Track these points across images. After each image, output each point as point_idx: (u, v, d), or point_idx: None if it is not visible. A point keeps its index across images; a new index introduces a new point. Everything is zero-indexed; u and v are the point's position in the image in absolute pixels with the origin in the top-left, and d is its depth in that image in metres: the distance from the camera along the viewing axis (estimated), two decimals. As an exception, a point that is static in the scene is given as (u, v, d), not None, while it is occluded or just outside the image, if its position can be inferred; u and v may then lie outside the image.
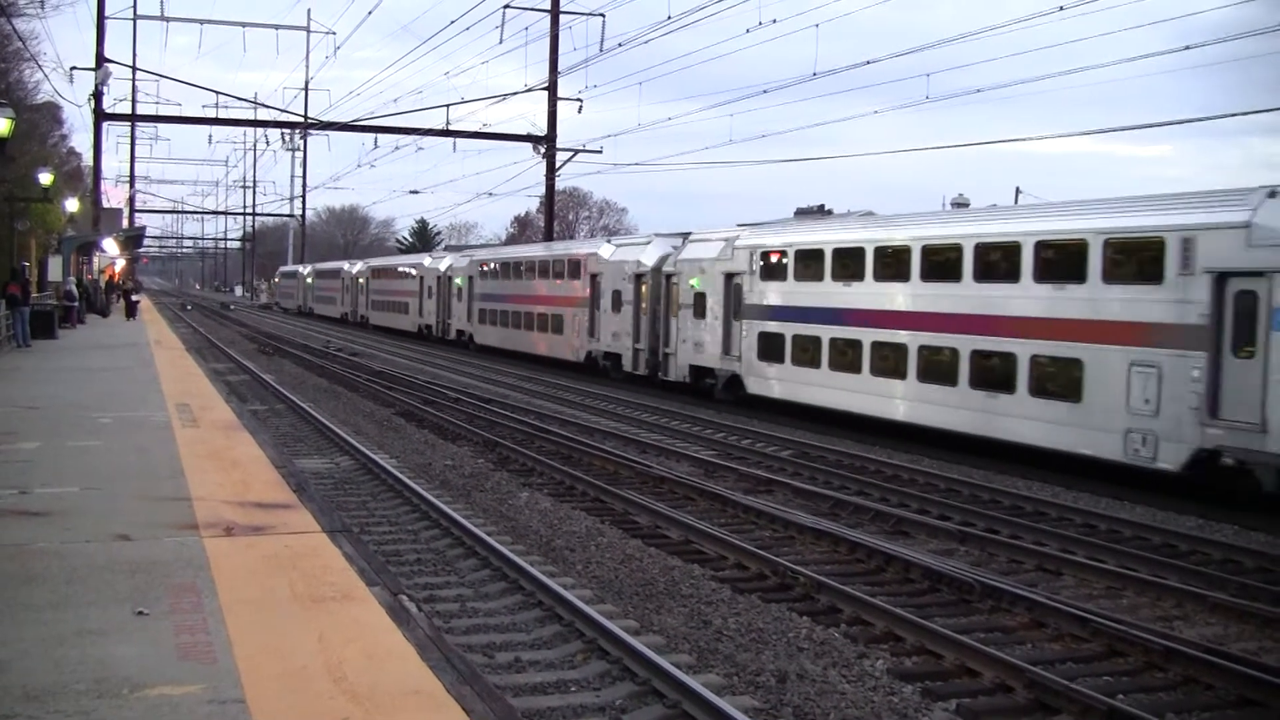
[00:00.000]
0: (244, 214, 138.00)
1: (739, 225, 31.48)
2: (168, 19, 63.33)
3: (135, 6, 66.82)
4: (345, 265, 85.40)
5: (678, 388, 33.25)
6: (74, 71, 52.67)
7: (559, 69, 53.14)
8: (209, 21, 66.86)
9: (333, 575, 8.83)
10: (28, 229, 47.52)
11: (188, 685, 6.33)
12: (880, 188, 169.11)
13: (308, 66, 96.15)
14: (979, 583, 12.34)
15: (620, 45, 43.60)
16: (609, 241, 40.83)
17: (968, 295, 22.42)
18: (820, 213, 29.85)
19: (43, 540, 9.68)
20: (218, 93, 74.22)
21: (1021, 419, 20.89)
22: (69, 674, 6.47)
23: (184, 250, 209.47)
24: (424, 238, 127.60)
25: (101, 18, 54.28)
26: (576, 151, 54.12)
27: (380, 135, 56.13)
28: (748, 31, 37.57)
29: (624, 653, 9.62)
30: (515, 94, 52.93)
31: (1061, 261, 20.58)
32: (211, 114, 57.94)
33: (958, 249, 22.79)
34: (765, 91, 51.41)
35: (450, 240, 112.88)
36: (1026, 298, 21.06)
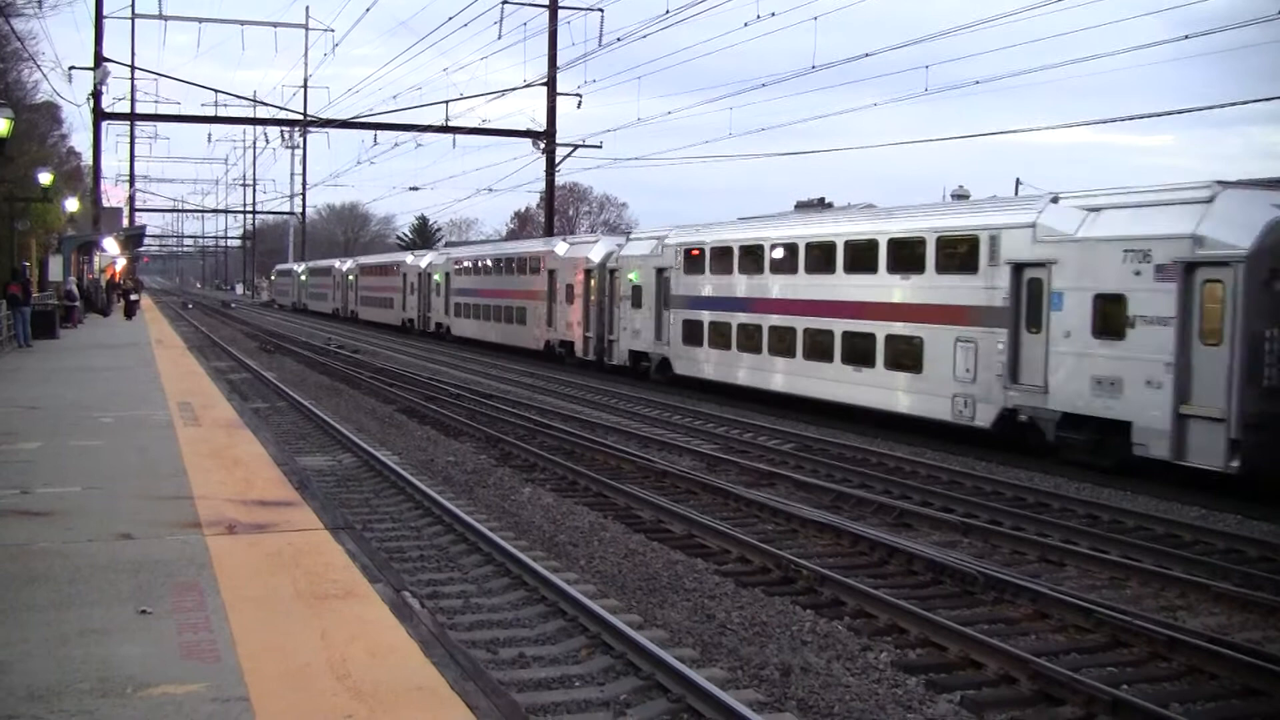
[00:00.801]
0: (244, 212, 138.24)
1: (676, 226, 35.14)
2: (166, 18, 63.22)
3: (133, 5, 66.80)
4: (336, 263, 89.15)
5: (620, 371, 37.04)
6: (73, 71, 52.75)
7: (558, 64, 53.17)
8: (207, 20, 67.00)
9: (335, 572, 8.83)
10: (28, 229, 47.51)
11: (191, 684, 6.33)
12: (881, 180, 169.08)
13: (306, 64, 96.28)
14: (982, 574, 12.33)
15: (619, 40, 43.43)
16: (564, 240, 45.00)
17: (840, 285, 26.29)
18: (821, 206, 30.01)
19: (45, 540, 9.68)
20: (217, 91, 74.01)
21: (880, 388, 24.85)
22: (72, 673, 6.47)
23: (184, 249, 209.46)
24: (424, 234, 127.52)
25: (100, 17, 54.28)
26: (576, 146, 54.16)
27: (379, 132, 56.23)
28: (746, 25, 37.74)
29: (628, 647, 9.61)
30: (514, 90, 52.82)
31: (907, 256, 24.26)
32: (211, 112, 57.91)
33: (833, 245, 26.68)
34: (764, 85, 51.44)
35: (451, 236, 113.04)
36: (882, 286, 24.83)
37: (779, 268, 28.73)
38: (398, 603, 8.14)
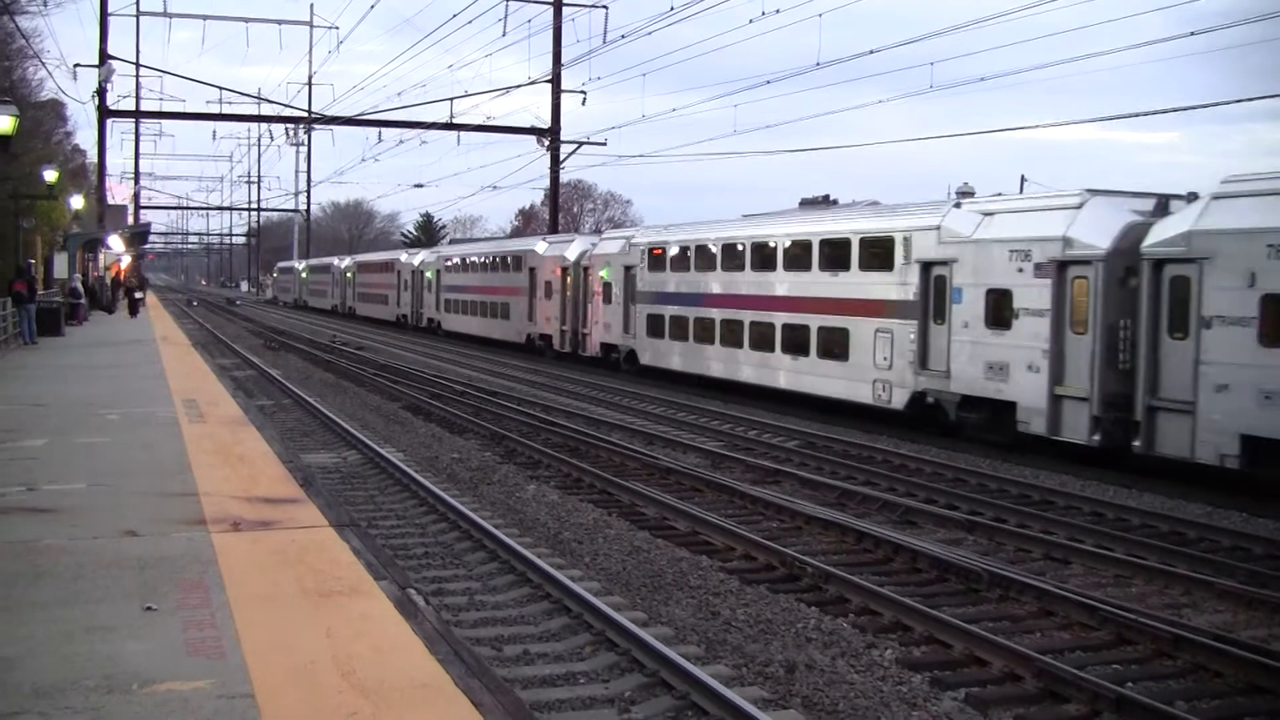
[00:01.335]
0: (249, 209, 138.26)
1: (643, 227, 38.77)
2: (170, 15, 63.23)
3: (138, 2, 66.69)
4: (335, 261, 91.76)
5: (593, 362, 39.62)
6: (77, 68, 52.61)
7: (562, 61, 53.12)
8: (212, 17, 66.51)
9: (340, 569, 8.83)
10: (33, 226, 47.50)
11: (196, 681, 6.34)
12: (887, 177, 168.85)
13: (311, 61, 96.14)
14: (987, 572, 12.32)
15: (623, 37, 43.43)
16: (543, 239, 47.34)
17: (779, 282, 28.80)
18: (825, 203, 30.19)
19: (50, 537, 9.69)
20: (221, 88, 74.32)
21: (814, 375, 27.32)
22: (78, 670, 6.48)
23: (189, 246, 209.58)
24: (429, 231, 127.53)
25: (104, 14, 54.28)
26: (580, 144, 54.14)
27: (384, 129, 56.16)
28: (751, 22, 37.43)
29: (632, 644, 9.62)
30: (519, 87, 53.01)
31: (835, 255, 26.73)
32: (215, 110, 57.80)
33: (774, 246, 29.19)
34: (769, 82, 51.07)
35: (455, 233, 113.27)
36: (815, 283, 27.33)
37: (729, 266, 31.28)
38: (402, 600, 8.15)
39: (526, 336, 45.85)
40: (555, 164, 55.07)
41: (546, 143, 54.41)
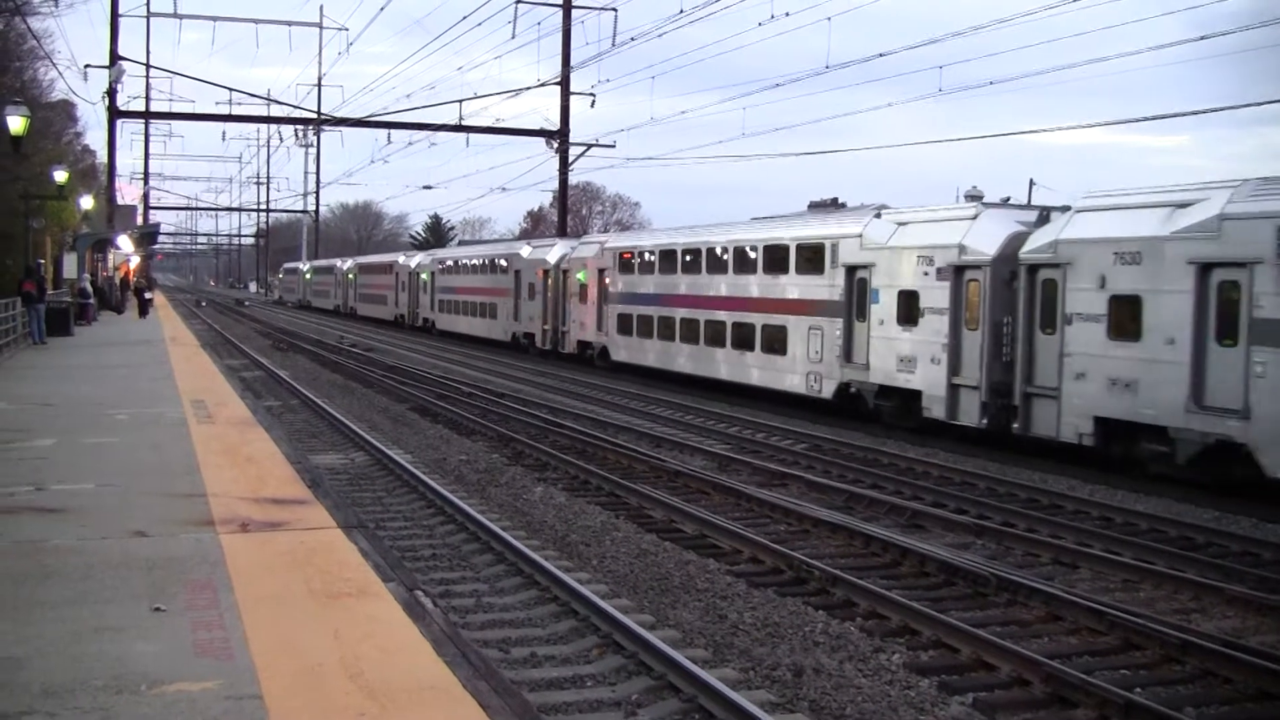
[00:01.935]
0: (258, 210, 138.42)
1: (615, 233, 42.19)
2: (181, 16, 63.35)
3: (148, 4, 66.78)
4: (337, 262, 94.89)
5: (571, 358, 42.30)
6: (88, 69, 52.78)
7: (571, 63, 53.17)
8: (222, 18, 66.80)
9: (348, 571, 8.84)
10: (43, 226, 47.55)
11: (205, 681, 6.34)
12: (896, 179, 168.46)
13: (320, 62, 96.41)
14: (995, 576, 12.31)
15: (632, 39, 43.44)
16: (528, 244, 50.63)
17: (730, 283, 31.62)
18: (833, 205, 30.39)
19: (59, 537, 9.71)
20: (231, 89, 74.23)
21: (759, 369, 30.03)
22: (86, 670, 6.49)
23: (198, 247, 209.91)
24: (437, 233, 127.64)
25: (115, 15, 54.42)
26: (589, 146, 54.16)
27: (393, 131, 56.22)
28: (760, 25, 37.50)
29: (640, 647, 9.61)
30: (528, 89, 52.77)
31: (777, 260, 29.44)
32: (225, 111, 57.93)
33: (726, 250, 32.17)
34: (778, 85, 51.32)
35: (464, 235, 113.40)
36: (760, 284, 30.12)
37: (688, 269, 34.12)
38: (410, 602, 8.15)
39: (512, 335, 48.56)
40: (564, 166, 55.11)
41: (555, 145, 54.46)
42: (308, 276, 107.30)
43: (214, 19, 62.47)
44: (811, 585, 12.37)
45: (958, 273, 22.97)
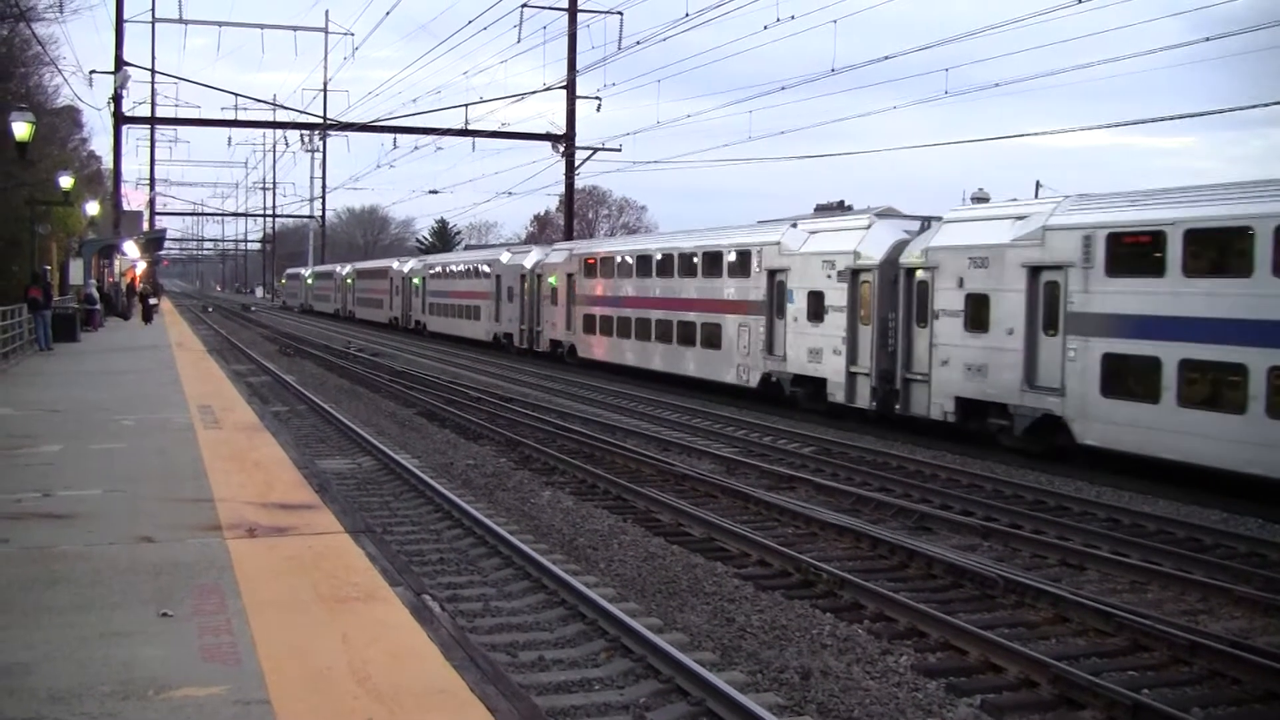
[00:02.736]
0: (264, 215, 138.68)
1: (582, 241, 45.20)
2: (186, 21, 63.54)
3: (154, 9, 67.17)
4: (337, 268, 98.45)
5: (544, 356, 45.78)
6: (93, 75, 52.93)
7: (577, 67, 53.19)
8: (227, 24, 67.22)
9: (356, 575, 8.84)
10: (49, 232, 47.66)
11: (212, 687, 6.35)
12: (902, 182, 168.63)
13: (326, 67, 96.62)
14: (1002, 578, 12.29)
15: (638, 43, 43.57)
16: (508, 250, 54.14)
17: (675, 286, 35.17)
18: (840, 208, 30.59)
19: (66, 542, 9.72)
20: (236, 94, 74.45)
21: (699, 362, 33.68)
22: (94, 676, 6.50)
23: (204, 252, 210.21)
24: (444, 237, 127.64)
25: (120, 21, 54.48)
26: (595, 150, 54.14)
27: (399, 135, 56.29)
28: (765, 28, 37.57)
29: (647, 651, 9.61)
30: (534, 93, 53.11)
31: (712, 265, 33.13)
32: (230, 116, 58.08)
33: (670, 256, 35.80)
34: (784, 88, 51.30)
35: (470, 239, 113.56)
36: (699, 286, 33.67)
37: (640, 273, 37.69)
38: (418, 606, 8.15)
39: (493, 335, 52.32)
40: (570, 170, 55.10)
41: (561, 149, 54.45)
42: (309, 282, 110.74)
43: (219, 24, 62.81)
44: (819, 588, 12.36)
45: (854, 275, 26.40)
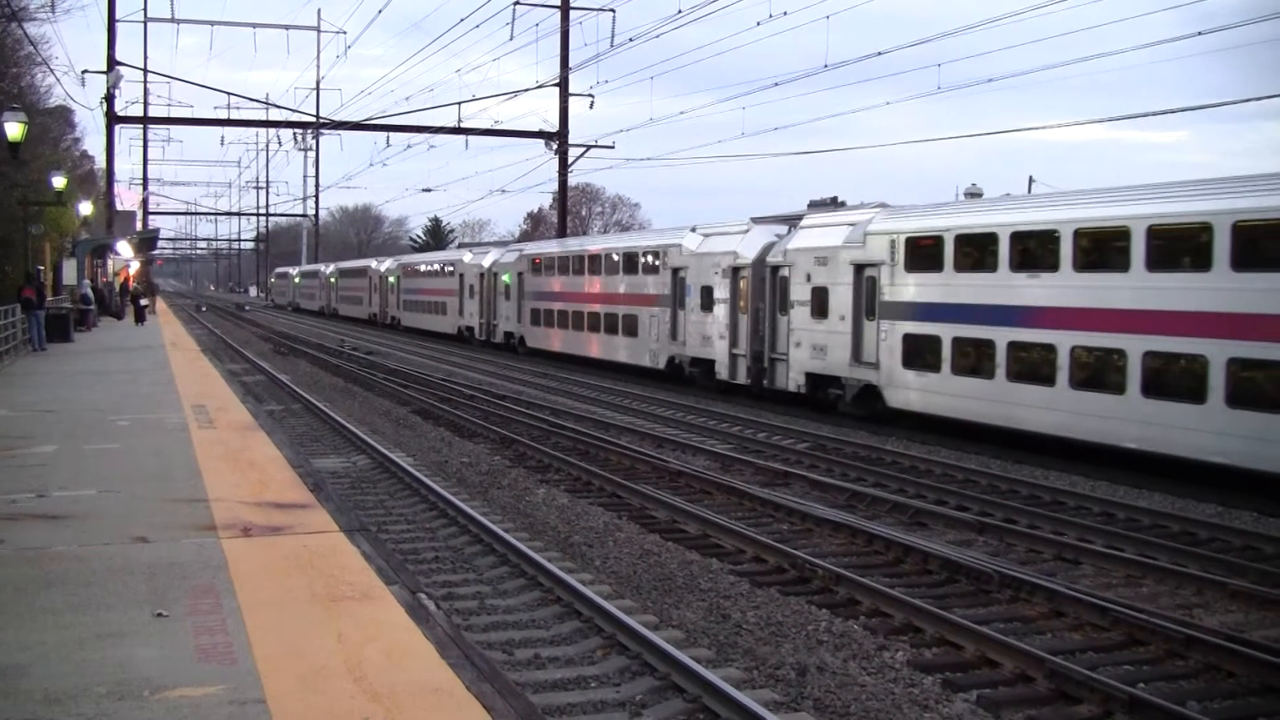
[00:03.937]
0: (257, 214, 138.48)
1: (533, 242, 50.30)
2: (178, 21, 63.42)
3: (145, 9, 66.85)
4: (321, 267, 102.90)
5: (499, 347, 50.40)
6: (85, 75, 53.01)
7: (570, 65, 53.18)
8: (219, 23, 67.06)
9: (351, 574, 8.84)
10: (42, 233, 47.50)
11: (208, 686, 6.35)
12: (894, 177, 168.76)
13: (319, 66, 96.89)
14: (997, 573, 12.30)
15: (631, 40, 43.49)
16: (469, 250, 59.23)
17: (602, 281, 39.83)
18: (833, 204, 30.58)
19: (61, 543, 9.71)
20: (229, 94, 74.63)
21: (620, 349, 38.31)
22: (89, 676, 6.49)
23: (198, 252, 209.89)
24: (438, 236, 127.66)
25: (112, 20, 54.45)
26: (589, 147, 54.17)
27: (392, 134, 56.41)
28: (758, 24, 37.75)
29: (643, 648, 9.62)
30: (526, 91, 52.81)
31: (630, 263, 37.89)
32: (223, 115, 58.14)
33: (599, 256, 40.71)
34: (777, 84, 51.30)
35: (464, 238, 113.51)
36: (621, 281, 38.29)
37: (577, 270, 42.30)
38: (413, 604, 8.15)
39: (458, 329, 57.16)
40: (563, 167, 55.12)
41: (554, 146, 54.45)
42: (296, 281, 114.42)
43: (211, 23, 62.87)
44: (815, 584, 12.37)
45: (734, 272, 31.15)
